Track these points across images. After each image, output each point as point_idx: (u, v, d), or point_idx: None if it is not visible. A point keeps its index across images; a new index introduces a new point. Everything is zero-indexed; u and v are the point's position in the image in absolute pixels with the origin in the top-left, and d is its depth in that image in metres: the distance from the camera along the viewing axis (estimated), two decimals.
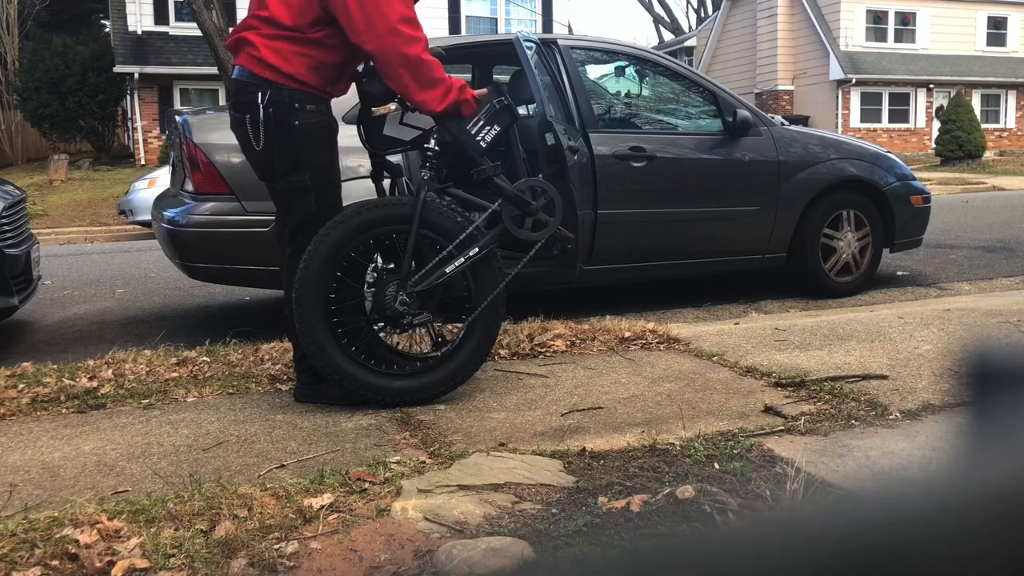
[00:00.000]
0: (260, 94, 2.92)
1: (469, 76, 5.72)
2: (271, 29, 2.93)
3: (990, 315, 4.21)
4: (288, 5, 2.92)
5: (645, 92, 5.70)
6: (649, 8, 39.26)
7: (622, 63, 5.30)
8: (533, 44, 4.66)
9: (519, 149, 3.37)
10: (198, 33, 15.74)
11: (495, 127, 3.14)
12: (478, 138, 3.12)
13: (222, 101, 18.28)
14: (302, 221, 3.03)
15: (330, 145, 3.07)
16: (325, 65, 2.97)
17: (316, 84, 2.97)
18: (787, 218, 5.09)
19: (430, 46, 4.44)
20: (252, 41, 2.94)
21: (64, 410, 3.07)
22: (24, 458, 2.60)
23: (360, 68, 3.15)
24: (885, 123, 25.56)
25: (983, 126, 21.49)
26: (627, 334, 3.88)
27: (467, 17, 21.97)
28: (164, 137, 16.96)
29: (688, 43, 32.17)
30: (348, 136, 3.71)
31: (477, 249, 3.09)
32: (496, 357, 3.63)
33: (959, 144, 19.96)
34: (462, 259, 3.07)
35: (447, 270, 3.06)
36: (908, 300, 5.22)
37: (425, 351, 3.48)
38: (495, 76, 5.77)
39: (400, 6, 2.91)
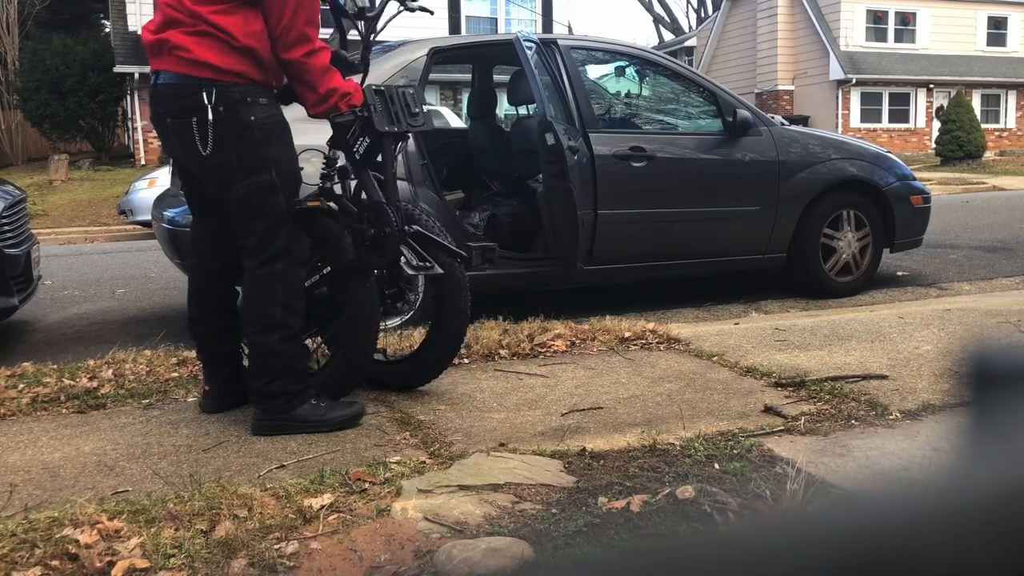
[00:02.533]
0: (205, 94, 2.70)
1: (469, 76, 5.73)
2: (202, 25, 2.72)
3: (990, 315, 4.21)
4: None
5: (645, 92, 5.70)
6: (649, 8, 39.26)
7: (622, 63, 5.31)
8: (533, 44, 4.66)
9: (391, 165, 2.98)
10: None
11: (365, 138, 2.92)
12: (353, 149, 2.93)
13: None
14: (273, 225, 2.79)
15: (289, 138, 2.88)
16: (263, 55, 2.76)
17: (261, 78, 2.79)
18: (787, 218, 5.09)
19: (425, 47, 4.38)
20: (181, 43, 2.72)
21: (64, 410, 3.07)
22: (24, 458, 2.60)
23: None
24: (885, 123, 25.56)
25: (983, 126, 21.48)
26: (627, 334, 3.88)
27: (467, 17, 21.96)
28: None
29: (688, 43, 32.16)
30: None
31: (329, 268, 2.97)
32: (496, 357, 3.63)
33: (959, 144, 19.96)
34: (316, 276, 2.98)
35: (306, 283, 2.97)
36: (908, 300, 5.22)
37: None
38: (494, 76, 5.79)
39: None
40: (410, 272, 2.98)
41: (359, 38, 3.09)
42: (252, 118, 2.74)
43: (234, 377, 3.02)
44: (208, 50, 2.71)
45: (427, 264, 2.98)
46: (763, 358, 3.53)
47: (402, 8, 3.18)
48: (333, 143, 3.01)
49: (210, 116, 2.70)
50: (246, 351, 3.04)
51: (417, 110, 3.04)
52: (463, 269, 3.17)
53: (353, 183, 3.05)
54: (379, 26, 3.12)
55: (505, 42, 4.87)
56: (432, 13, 3.41)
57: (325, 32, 3.19)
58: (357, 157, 2.95)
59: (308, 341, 3.23)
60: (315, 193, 2.97)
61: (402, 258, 2.96)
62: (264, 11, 2.76)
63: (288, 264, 2.81)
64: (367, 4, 3.04)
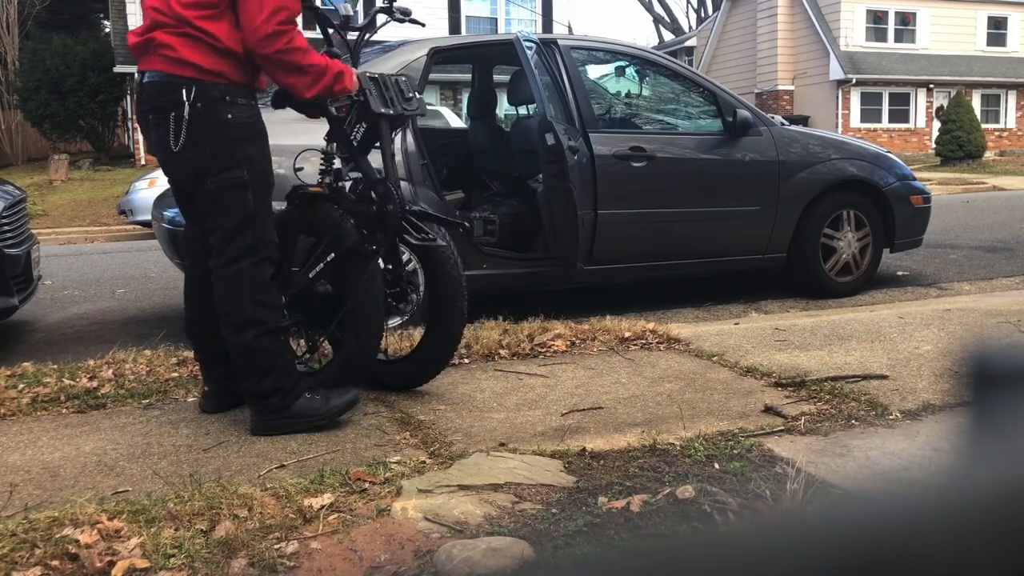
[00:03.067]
0: (185, 91, 2.72)
1: (469, 76, 5.73)
2: (187, 28, 2.74)
3: (990, 315, 4.21)
4: None
5: (645, 92, 5.70)
6: (649, 8, 39.26)
7: (622, 63, 5.31)
8: (533, 44, 4.66)
9: (389, 146, 3.03)
10: None
11: (362, 124, 2.96)
12: (351, 136, 2.97)
13: None
14: (240, 222, 2.78)
15: (265, 141, 2.88)
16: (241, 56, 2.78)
17: (242, 80, 2.80)
18: (787, 218, 5.09)
19: (425, 47, 4.38)
20: (166, 42, 2.74)
21: (64, 410, 3.07)
22: (24, 458, 2.60)
23: None
24: (885, 123, 25.56)
25: (983, 126, 21.48)
26: (627, 334, 3.88)
27: (467, 17, 21.96)
28: None
29: (688, 43, 32.17)
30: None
31: (333, 254, 2.97)
32: (496, 357, 3.63)
33: (959, 144, 19.96)
34: (320, 265, 3.00)
35: (310, 275, 3.00)
36: (908, 300, 5.22)
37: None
38: (494, 76, 5.78)
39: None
40: (414, 242, 3.01)
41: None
42: (229, 116, 2.76)
43: (232, 377, 3.02)
44: (192, 50, 2.74)
45: (429, 236, 3.01)
46: (763, 358, 3.53)
47: (390, 20, 3.19)
48: (330, 136, 3.02)
49: (186, 112, 2.72)
50: None
51: (411, 95, 3.06)
52: (458, 257, 3.14)
53: (349, 182, 3.06)
54: (367, 36, 3.12)
55: (505, 42, 4.87)
56: (424, 25, 3.41)
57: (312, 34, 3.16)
58: (355, 144, 2.97)
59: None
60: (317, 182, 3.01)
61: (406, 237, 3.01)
62: (238, 12, 2.76)
63: (253, 261, 2.80)
64: (351, 13, 3.04)
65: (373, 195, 2.97)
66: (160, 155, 2.86)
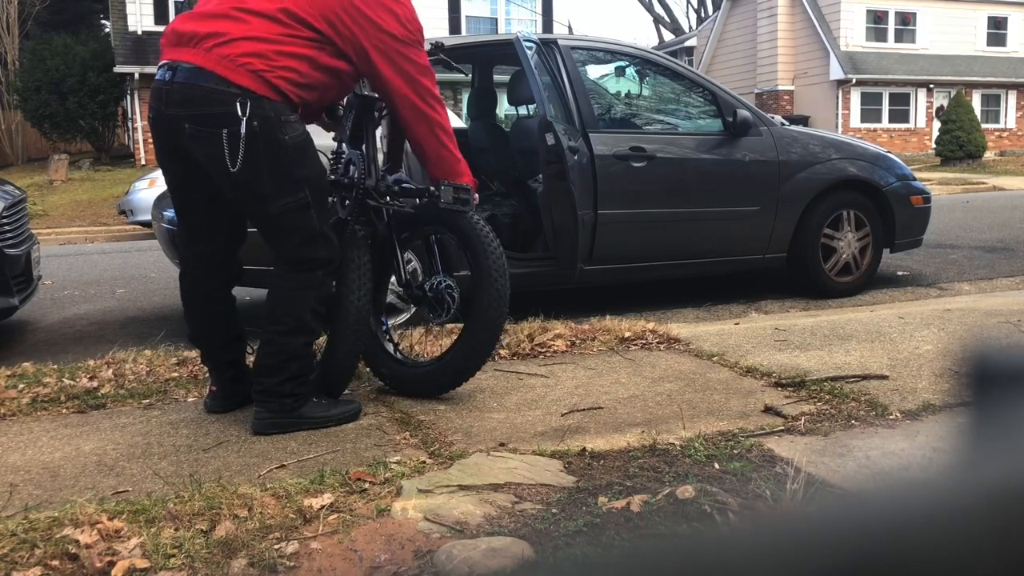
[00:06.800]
0: (239, 105, 2.56)
1: (469, 76, 5.73)
2: (259, 24, 2.62)
3: (990, 315, 4.21)
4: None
5: (645, 92, 5.70)
6: (649, 8, 39.26)
7: (622, 63, 5.30)
8: (533, 44, 4.66)
9: (370, 127, 3.14)
10: None
11: (351, 112, 3.10)
12: (346, 128, 3.11)
13: None
14: (304, 239, 2.75)
15: (315, 153, 2.81)
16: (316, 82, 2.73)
17: (295, 99, 2.71)
18: (787, 218, 5.09)
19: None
20: (227, 36, 2.60)
21: (64, 410, 3.07)
22: (24, 458, 2.60)
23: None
24: (885, 123, 25.56)
25: (983, 126, 21.48)
26: (627, 334, 3.88)
27: (467, 17, 21.96)
28: None
29: (688, 43, 32.17)
30: None
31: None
32: (496, 357, 3.63)
33: (959, 144, 19.96)
34: None
35: None
36: (908, 300, 5.22)
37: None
38: (495, 77, 5.78)
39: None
40: (371, 204, 3.11)
41: None
42: (286, 137, 2.65)
43: (239, 378, 3.03)
44: (256, 57, 2.60)
45: (385, 202, 3.14)
46: (763, 358, 3.53)
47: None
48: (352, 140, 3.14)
49: (243, 130, 2.57)
50: (252, 349, 3.05)
51: None
52: (506, 268, 3.05)
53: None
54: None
55: (505, 42, 4.87)
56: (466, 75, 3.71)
57: None
58: (347, 132, 3.10)
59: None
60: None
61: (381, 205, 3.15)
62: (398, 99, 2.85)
63: (327, 272, 2.83)
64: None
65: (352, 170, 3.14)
66: (214, 170, 2.70)
